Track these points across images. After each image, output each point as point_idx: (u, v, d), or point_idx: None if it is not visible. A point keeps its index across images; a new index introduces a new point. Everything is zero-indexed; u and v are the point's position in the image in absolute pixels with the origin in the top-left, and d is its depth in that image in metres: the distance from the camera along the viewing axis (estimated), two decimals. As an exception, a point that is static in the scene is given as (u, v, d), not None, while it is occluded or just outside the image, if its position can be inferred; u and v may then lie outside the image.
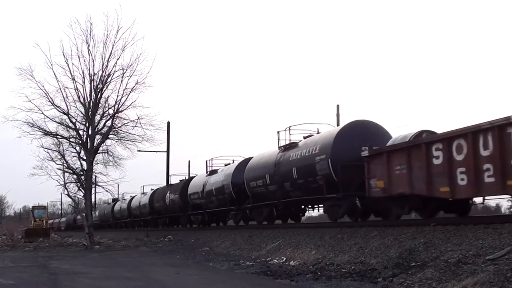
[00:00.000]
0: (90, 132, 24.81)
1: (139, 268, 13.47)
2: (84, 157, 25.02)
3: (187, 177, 37.02)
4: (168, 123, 40.40)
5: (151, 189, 39.92)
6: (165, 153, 41.25)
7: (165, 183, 38.81)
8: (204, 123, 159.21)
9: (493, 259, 8.27)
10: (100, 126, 25.15)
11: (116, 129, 25.46)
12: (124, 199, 47.43)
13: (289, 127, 19.66)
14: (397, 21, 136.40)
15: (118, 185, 41.47)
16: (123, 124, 25.47)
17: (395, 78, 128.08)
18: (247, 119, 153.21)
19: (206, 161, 27.96)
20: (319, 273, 10.76)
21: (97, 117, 24.99)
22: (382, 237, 12.12)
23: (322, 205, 18.31)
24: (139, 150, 28.79)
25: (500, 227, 9.71)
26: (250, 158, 22.99)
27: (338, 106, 33.35)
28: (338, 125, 26.72)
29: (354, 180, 15.32)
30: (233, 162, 25.87)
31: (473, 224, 10.59)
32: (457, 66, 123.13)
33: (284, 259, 13.82)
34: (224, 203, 24.53)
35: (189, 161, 49.03)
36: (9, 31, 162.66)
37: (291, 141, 19.32)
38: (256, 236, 18.45)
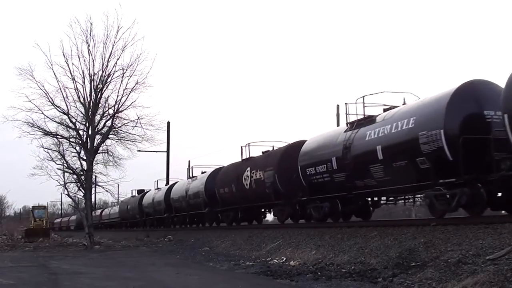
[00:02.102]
0: (90, 132, 24.83)
1: (139, 268, 13.48)
2: (84, 157, 25.03)
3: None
4: (168, 123, 40.56)
5: (202, 172, 29.85)
6: (165, 153, 41.37)
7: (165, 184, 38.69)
8: (204, 123, 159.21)
9: (493, 259, 8.26)
10: (100, 126, 25.19)
11: (116, 129, 25.52)
12: (158, 188, 37.53)
13: None
14: (397, 21, 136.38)
15: (118, 185, 41.12)
16: (123, 124, 25.55)
17: (395, 78, 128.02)
18: (247, 119, 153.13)
19: (337, 106, 18.87)
20: (319, 273, 10.76)
21: (97, 117, 25.04)
22: (382, 237, 12.12)
23: None
24: (139, 150, 28.89)
25: (500, 227, 9.70)
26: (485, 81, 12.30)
27: (338, 106, 33.34)
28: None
29: None
30: (404, 103, 14.27)
31: (473, 224, 10.59)
32: (458, 64, 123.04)
33: (284, 259, 13.82)
34: (406, 176, 12.81)
35: (189, 161, 48.82)
36: (9, 31, 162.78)
37: None
38: (256, 236, 18.45)
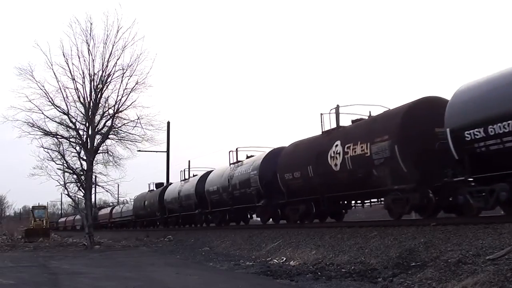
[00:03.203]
0: (90, 132, 24.84)
1: (139, 268, 13.47)
2: (84, 157, 25.04)
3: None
4: (168, 123, 40.56)
5: (247, 156, 23.65)
6: (165, 153, 41.37)
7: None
8: (204, 123, 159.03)
9: (493, 259, 8.26)
10: (100, 126, 25.21)
11: (116, 129, 25.53)
12: (185, 179, 30.93)
13: None
14: (397, 21, 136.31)
15: (118, 185, 40.84)
16: (123, 124, 25.56)
17: (395, 77, 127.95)
18: (247, 119, 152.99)
19: (337, 106, 15.71)
20: (319, 273, 10.76)
21: (97, 117, 25.05)
22: (382, 237, 12.13)
23: None
24: (139, 150, 28.88)
25: (500, 227, 9.71)
26: None
27: (338, 106, 33.30)
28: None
29: None
30: None
31: (473, 224, 10.59)
32: (458, 64, 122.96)
33: (284, 259, 13.82)
34: None
35: (189, 161, 48.73)
36: (9, 31, 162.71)
37: None
38: (256, 236, 18.45)
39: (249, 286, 10.04)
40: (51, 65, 24.52)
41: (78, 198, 27.68)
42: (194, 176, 30.25)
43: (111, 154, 26.35)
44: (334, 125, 16.66)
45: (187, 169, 31.55)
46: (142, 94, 33.78)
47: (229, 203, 23.46)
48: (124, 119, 25.43)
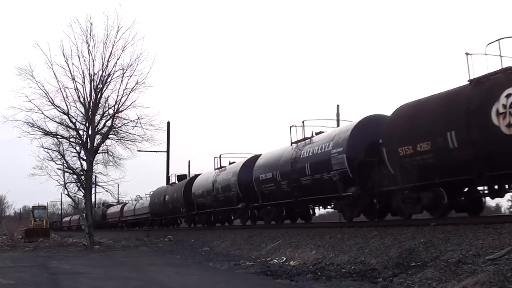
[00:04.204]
0: (90, 132, 24.87)
1: (139, 268, 13.48)
2: (84, 157, 25.06)
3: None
4: (168, 123, 40.58)
5: (314, 133, 17.77)
6: (165, 153, 41.39)
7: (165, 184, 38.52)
8: (204, 123, 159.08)
9: (493, 259, 8.27)
10: (100, 126, 25.25)
11: (116, 129, 25.57)
12: (220, 167, 25.13)
13: None
14: (397, 21, 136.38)
15: (118, 185, 40.64)
16: (123, 124, 25.60)
17: (395, 77, 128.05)
18: (247, 119, 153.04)
19: (338, 106, 11.58)
20: (319, 273, 10.76)
21: (97, 117, 25.08)
22: (382, 237, 12.12)
23: None
24: (139, 150, 28.89)
25: (500, 227, 9.71)
26: None
27: (338, 106, 33.37)
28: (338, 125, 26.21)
29: None
30: None
31: (473, 224, 10.60)
32: (458, 64, 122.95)
33: (284, 259, 13.82)
34: None
35: (189, 161, 48.47)
36: (9, 31, 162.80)
37: None
38: (256, 236, 18.45)
39: (249, 286, 10.05)
40: (51, 65, 24.61)
41: (78, 198, 27.72)
42: (232, 163, 24.85)
43: (111, 154, 26.41)
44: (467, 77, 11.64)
45: (224, 155, 25.89)
46: (142, 94, 33.74)
47: (292, 194, 17.52)
48: (124, 119, 25.52)
